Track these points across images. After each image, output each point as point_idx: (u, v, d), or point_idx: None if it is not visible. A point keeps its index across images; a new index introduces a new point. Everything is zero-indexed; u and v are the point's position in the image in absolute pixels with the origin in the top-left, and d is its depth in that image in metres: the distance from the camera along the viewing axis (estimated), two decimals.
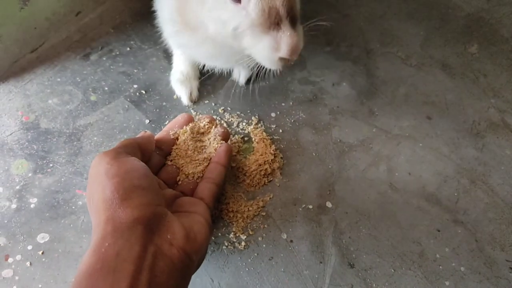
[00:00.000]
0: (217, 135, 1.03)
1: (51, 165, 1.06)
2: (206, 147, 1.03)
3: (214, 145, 1.01)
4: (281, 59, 0.87)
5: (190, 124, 1.04)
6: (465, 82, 1.31)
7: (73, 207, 1.00)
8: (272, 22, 0.84)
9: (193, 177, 0.97)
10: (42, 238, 0.95)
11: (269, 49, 0.86)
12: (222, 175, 0.97)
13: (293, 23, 0.86)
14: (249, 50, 0.91)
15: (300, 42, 0.87)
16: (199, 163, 0.99)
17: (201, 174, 0.98)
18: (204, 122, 1.05)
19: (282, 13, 0.85)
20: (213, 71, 1.17)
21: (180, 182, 0.97)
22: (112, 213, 0.72)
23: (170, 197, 0.89)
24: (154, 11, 1.18)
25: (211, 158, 1.00)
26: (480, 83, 1.31)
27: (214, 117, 1.16)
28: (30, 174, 1.04)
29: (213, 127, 1.05)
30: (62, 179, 1.04)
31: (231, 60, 1.03)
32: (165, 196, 0.89)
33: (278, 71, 0.97)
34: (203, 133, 1.04)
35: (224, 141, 1.03)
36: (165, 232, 0.76)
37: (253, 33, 0.87)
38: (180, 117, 1.06)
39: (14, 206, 0.99)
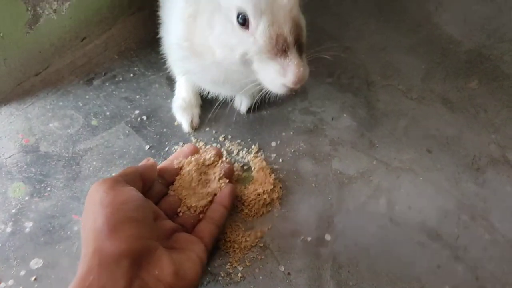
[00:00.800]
0: (222, 170, 1.03)
1: (48, 189, 1.05)
2: (210, 182, 1.03)
3: (219, 182, 1.02)
4: (286, 85, 0.88)
5: (196, 155, 1.04)
6: (466, 116, 1.31)
7: (69, 233, 0.99)
8: (279, 49, 0.86)
9: (195, 210, 0.97)
10: (36, 263, 0.94)
11: (275, 75, 0.88)
12: (224, 217, 0.98)
13: (300, 51, 0.88)
14: (255, 75, 0.92)
15: (306, 71, 0.89)
16: (202, 197, 0.99)
17: (203, 209, 0.98)
18: (210, 154, 1.05)
19: (289, 40, 0.86)
20: (215, 98, 1.18)
21: (181, 214, 0.97)
22: (100, 244, 0.72)
23: (168, 230, 0.89)
24: (158, 39, 1.20)
25: (214, 194, 1.00)
26: (481, 118, 1.31)
27: (215, 145, 1.17)
28: (27, 198, 1.03)
29: (220, 161, 1.06)
30: (59, 204, 1.03)
31: (236, 87, 1.04)
32: (163, 228, 0.88)
33: (280, 99, 0.98)
34: (208, 165, 1.05)
35: (228, 180, 1.03)
36: (153, 267, 0.75)
37: (261, 59, 0.88)
38: (186, 147, 1.06)
39: (9, 229, 0.98)
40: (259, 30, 0.86)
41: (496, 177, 1.19)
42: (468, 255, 1.04)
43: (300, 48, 0.89)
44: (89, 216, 0.77)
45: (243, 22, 0.87)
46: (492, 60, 1.47)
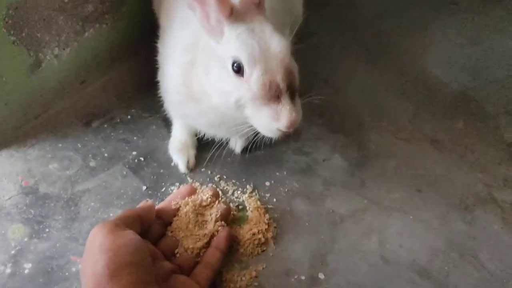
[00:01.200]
0: (219, 211, 1.07)
1: (47, 230, 1.08)
2: (207, 223, 1.06)
3: (215, 224, 1.05)
4: (279, 129, 0.93)
5: (193, 196, 1.07)
6: (453, 156, 1.36)
7: (67, 274, 1.01)
8: (272, 95, 0.91)
9: (192, 252, 1.00)
10: None
11: (269, 120, 0.93)
12: (220, 262, 1.02)
13: (292, 96, 0.93)
14: (249, 120, 0.97)
15: (298, 115, 0.94)
16: (199, 239, 1.02)
17: (199, 251, 1.01)
18: (207, 195, 1.08)
19: (282, 87, 0.92)
20: (210, 139, 1.22)
21: (178, 255, 0.99)
22: None
23: (166, 271, 0.92)
24: (155, 82, 1.25)
25: (211, 236, 1.03)
26: (468, 158, 1.36)
27: (210, 185, 1.20)
28: (26, 239, 1.06)
29: (216, 201, 1.09)
30: (57, 245, 1.06)
31: (231, 129, 1.08)
32: (162, 269, 0.91)
33: (274, 140, 1.02)
34: (205, 206, 1.08)
35: (225, 221, 1.07)
36: None
37: (254, 105, 0.93)
38: (183, 188, 1.10)
39: (8, 271, 1.00)
40: (253, 77, 0.91)
41: (483, 216, 1.23)
42: None
43: (292, 93, 0.94)
44: (90, 260, 0.79)
45: (238, 70, 0.92)
46: (478, 101, 1.53)
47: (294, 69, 0.97)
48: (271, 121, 0.93)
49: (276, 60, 0.92)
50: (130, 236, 0.85)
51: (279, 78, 0.92)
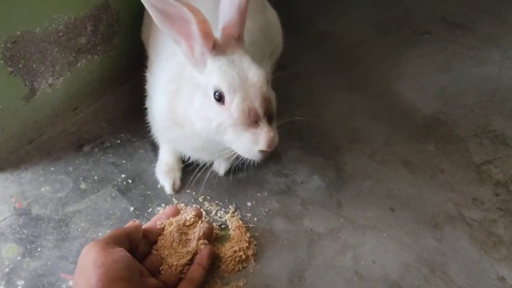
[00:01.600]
0: (202, 230, 1.13)
1: (39, 249, 1.14)
2: (190, 241, 1.12)
3: (198, 242, 1.11)
4: (260, 151, 1.02)
5: (177, 217, 1.14)
6: (424, 177, 1.44)
7: None
8: (251, 120, 1.00)
9: (176, 269, 1.06)
10: None
11: (249, 144, 1.01)
12: (202, 278, 1.08)
13: (269, 120, 1.02)
14: (230, 144, 1.05)
15: (276, 137, 1.03)
16: (183, 256, 1.09)
17: (183, 268, 1.07)
18: (190, 215, 1.15)
19: (260, 113, 1.01)
20: (195, 162, 1.30)
21: (163, 272, 1.06)
22: None
23: (152, 287, 0.97)
24: (144, 108, 1.33)
25: (194, 253, 1.09)
26: (438, 178, 1.44)
27: (194, 205, 1.27)
28: (19, 258, 1.11)
29: (199, 221, 1.15)
30: (49, 263, 1.11)
31: (214, 153, 1.18)
32: (148, 285, 0.97)
33: (255, 162, 1.10)
34: (188, 226, 1.15)
35: (208, 239, 1.13)
36: None
37: (235, 130, 1.02)
38: (168, 209, 1.17)
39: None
40: (234, 105, 1.00)
41: (453, 233, 1.30)
42: None
43: (270, 118, 1.02)
44: (83, 275, 0.86)
45: (219, 98, 1.01)
46: (448, 125, 1.63)
47: (271, 96, 1.06)
48: (251, 144, 1.01)
49: (254, 88, 1.01)
50: (121, 253, 0.91)
51: (257, 105, 1.01)
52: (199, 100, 1.05)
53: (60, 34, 1.25)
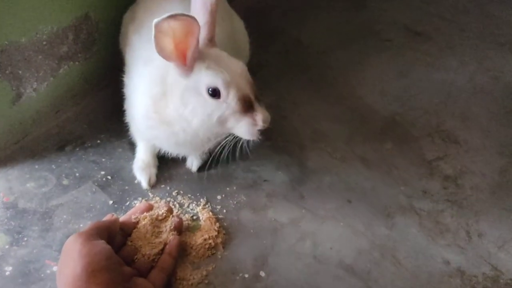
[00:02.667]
0: (173, 224, 1.25)
1: (25, 239, 1.24)
2: (162, 233, 1.23)
3: (169, 234, 1.22)
4: (258, 130, 1.17)
5: (150, 212, 1.25)
6: (380, 173, 1.57)
7: (42, 275, 1.18)
8: (247, 106, 1.15)
9: (149, 258, 1.17)
10: None
11: (249, 126, 1.17)
12: (172, 266, 1.19)
13: (258, 101, 1.17)
14: (231, 130, 1.20)
15: (269, 114, 1.18)
16: (155, 246, 1.20)
17: (155, 257, 1.18)
18: (162, 210, 1.26)
19: (252, 97, 1.16)
20: (170, 159, 1.42)
21: (136, 261, 1.17)
22: (80, 286, 0.92)
23: (127, 275, 1.09)
24: (122, 110, 1.44)
25: (165, 244, 1.21)
26: (393, 174, 1.58)
27: (169, 199, 1.38)
28: (7, 246, 1.22)
29: (171, 215, 1.27)
30: (34, 251, 1.22)
31: (197, 146, 1.31)
32: (123, 273, 1.08)
33: (227, 158, 1.24)
34: (161, 220, 1.26)
35: (177, 233, 1.24)
36: None
37: (234, 117, 1.17)
38: (142, 205, 1.28)
39: None
40: (231, 96, 1.14)
41: (403, 222, 1.43)
42: (378, 286, 1.26)
43: (258, 100, 1.18)
44: (68, 264, 0.97)
45: (214, 93, 1.14)
46: (404, 125, 1.77)
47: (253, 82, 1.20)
48: (251, 126, 1.17)
49: (242, 78, 1.17)
50: (103, 245, 1.03)
51: (248, 91, 1.16)
52: (192, 100, 1.18)
53: (44, 43, 1.35)
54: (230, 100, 1.14)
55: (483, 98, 1.93)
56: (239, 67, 1.17)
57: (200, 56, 1.15)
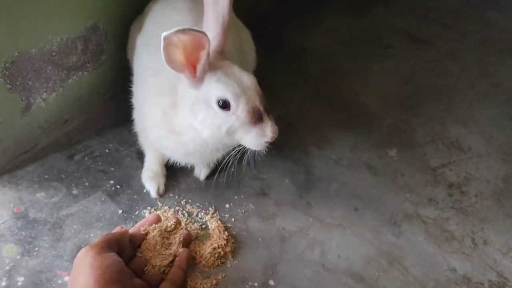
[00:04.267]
0: (182, 236, 1.25)
1: (36, 249, 1.25)
2: (172, 245, 1.24)
3: (178, 245, 1.23)
4: (266, 142, 1.18)
5: (159, 223, 1.26)
6: (386, 180, 1.59)
7: (54, 285, 1.18)
8: (256, 118, 1.16)
9: (159, 269, 1.18)
10: None
11: (258, 137, 1.18)
12: (182, 279, 1.20)
13: (268, 113, 1.18)
14: (240, 141, 1.20)
15: (277, 127, 1.19)
16: (165, 258, 1.20)
17: (165, 268, 1.18)
18: (171, 222, 1.27)
19: (262, 109, 1.17)
20: (179, 169, 1.43)
21: (147, 272, 1.17)
22: None
23: (137, 286, 1.09)
24: (131, 120, 1.45)
25: (175, 256, 1.21)
26: (398, 181, 1.60)
27: (177, 208, 1.40)
28: (18, 257, 1.23)
29: (180, 227, 1.28)
30: (45, 261, 1.23)
31: (205, 157, 1.33)
32: (134, 286, 1.09)
33: (234, 168, 1.25)
34: (170, 231, 1.27)
35: (186, 245, 1.25)
36: None
37: (243, 129, 1.17)
38: (151, 216, 1.28)
39: (3, 284, 1.16)
40: (240, 108, 1.15)
41: (409, 229, 1.45)
42: None
43: (268, 112, 1.19)
44: (81, 276, 0.98)
45: (224, 105, 1.15)
46: (408, 132, 1.79)
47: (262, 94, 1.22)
48: (260, 137, 1.17)
49: (251, 90, 1.17)
50: (114, 257, 1.03)
51: (258, 103, 1.17)
52: (202, 111, 1.19)
53: (54, 53, 1.36)
54: (239, 112, 1.15)
55: (485, 104, 1.96)
56: (249, 79, 1.18)
57: (210, 68, 1.16)
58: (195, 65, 1.13)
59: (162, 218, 1.27)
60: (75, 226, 1.32)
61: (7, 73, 1.26)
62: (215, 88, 1.15)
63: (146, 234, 1.23)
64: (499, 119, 1.88)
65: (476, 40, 2.31)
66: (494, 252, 1.42)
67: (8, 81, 1.28)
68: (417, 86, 2.01)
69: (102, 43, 1.50)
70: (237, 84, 1.15)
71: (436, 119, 1.86)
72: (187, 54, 1.10)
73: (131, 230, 1.23)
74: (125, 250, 1.16)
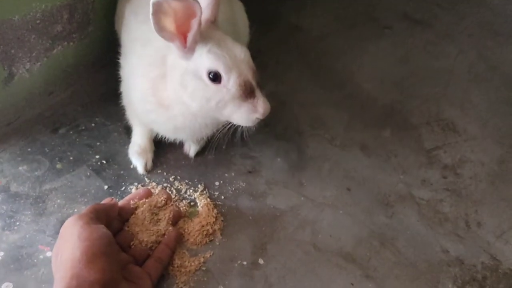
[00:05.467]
0: (171, 213, 1.23)
1: (17, 223, 1.21)
2: (160, 221, 1.21)
3: (167, 224, 1.20)
4: (257, 118, 1.14)
5: (149, 198, 1.22)
6: (379, 160, 1.56)
7: (35, 260, 1.15)
8: (248, 92, 1.11)
9: (146, 245, 1.15)
10: (6, 286, 1.09)
11: (248, 113, 1.13)
12: (169, 257, 1.17)
13: (261, 89, 1.14)
14: (229, 116, 1.16)
15: (269, 104, 1.15)
16: (152, 233, 1.18)
17: (152, 244, 1.16)
18: (161, 198, 1.24)
19: (254, 84, 1.12)
20: (167, 144, 1.39)
21: (133, 247, 1.14)
22: (78, 271, 0.90)
23: (123, 261, 1.07)
24: (117, 93, 1.40)
25: (163, 234, 1.18)
26: (392, 162, 1.57)
27: (165, 185, 1.36)
28: None
29: (170, 204, 1.24)
30: (27, 236, 1.19)
31: (195, 132, 1.27)
32: (121, 260, 1.05)
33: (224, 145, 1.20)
34: (159, 207, 1.23)
35: (174, 225, 1.23)
36: None
37: (234, 103, 1.12)
38: (141, 191, 1.25)
39: None
40: (231, 81, 1.10)
41: (402, 210, 1.42)
42: (377, 274, 1.25)
43: (260, 87, 1.14)
44: (67, 246, 0.94)
45: (215, 78, 1.10)
46: (403, 113, 1.75)
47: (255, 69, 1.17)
48: (251, 113, 1.13)
49: (244, 64, 1.12)
50: (103, 230, 1.00)
51: (250, 76, 1.12)
52: (192, 83, 1.13)
53: (38, 21, 1.31)
54: (230, 86, 1.10)
55: (482, 87, 1.92)
56: (242, 52, 1.13)
57: (202, 39, 1.11)
58: (186, 34, 1.08)
59: (153, 193, 1.24)
60: (58, 201, 1.28)
61: None
62: (206, 59, 1.10)
63: (135, 208, 1.20)
64: (495, 103, 1.85)
65: (474, 23, 2.26)
66: (487, 235, 1.39)
67: None
68: (413, 67, 1.97)
69: (89, 12, 1.45)
70: (229, 56, 1.10)
71: (431, 101, 1.82)
72: (177, 22, 1.05)
73: (120, 203, 1.20)
74: (112, 223, 1.13)
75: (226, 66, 1.09)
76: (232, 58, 1.10)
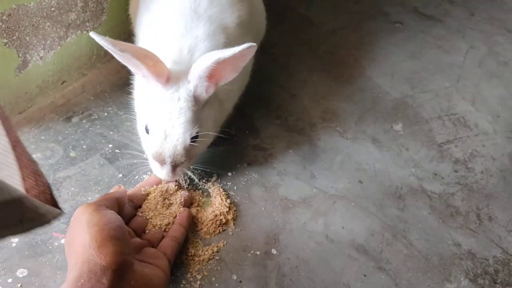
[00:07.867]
0: (182, 197, 1.23)
1: None
2: (172, 205, 1.22)
3: (179, 206, 1.21)
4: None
5: (160, 185, 1.23)
6: (391, 154, 1.56)
7: (50, 247, 1.14)
8: (159, 161, 1.17)
9: (160, 228, 1.16)
10: (21, 273, 1.08)
11: (154, 168, 1.20)
12: (183, 236, 1.17)
13: (174, 167, 1.18)
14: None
15: (173, 177, 1.20)
16: (166, 217, 1.18)
17: (166, 227, 1.16)
18: (172, 185, 1.24)
19: (167, 161, 1.16)
20: None
21: (147, 232, 1.15)
22: (89, 257, 0.89)
23: (137, 246, 1.07)
24: (130, 83, 1.40)
25: (176, 216, 1.19)
26: (403, 155, 1.56)
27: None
28: None
29: (181, 190, 1.25)
30: None
31: None
32: (134, 244, 1.06)
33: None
34: (171, 193, 1.24)
35: (187, 206, 1.24)
36: (130, 279, 0.93)
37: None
38: (152, 178, 1.26)
39: None
40: (149, 144, 1.17)
41: (414, 203, 1.42)
42: (390, 266, 1.25)
43: (175, 166, 1.17)
44: (78, 234, 0.94)
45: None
46: (414, 107, 1.75)
47: (185, 151, 1.17)
48: (155, 170, 1.19)
49: (169, 143, 1.13)
50: (113, 215, 0.99)
51: (167, 155, 1.14)
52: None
53: (52, 9, 1.31)
54: (148, 145, 1.19)
55: (492, 83, 1.92)
56: (176, 128, 1.15)
57: (168, 85, 1.13)
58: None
59: (163, 181, 1.24)
60: (72, 189, 1.28)
61: (3, 26, 1.21)
62: (149, 106, 1.16)
63: (147, 194, 1.21)
64: (507, 98, 1.85)
65: (485, 19, 2.26)
66: (499, 229, 1.39)
67: (4, 35, 1.22)
68: (424, 62, 1.97)
69: (103, 1, 1.45)
70: (163, 119, 1.14)
71: (442, 95, 1.82)
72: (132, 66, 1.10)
73: (131, 191, 1.21)
74: (124, 210, 1.13)
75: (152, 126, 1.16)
76: (162, 123, 1.14)
